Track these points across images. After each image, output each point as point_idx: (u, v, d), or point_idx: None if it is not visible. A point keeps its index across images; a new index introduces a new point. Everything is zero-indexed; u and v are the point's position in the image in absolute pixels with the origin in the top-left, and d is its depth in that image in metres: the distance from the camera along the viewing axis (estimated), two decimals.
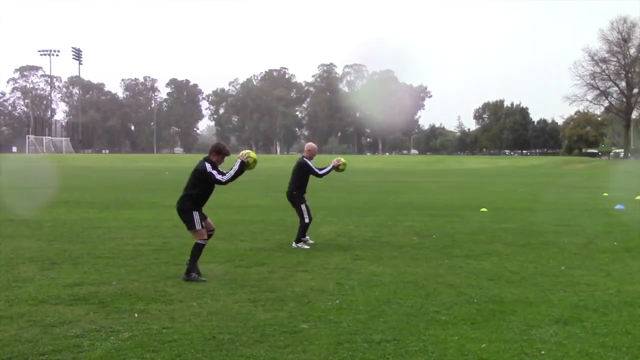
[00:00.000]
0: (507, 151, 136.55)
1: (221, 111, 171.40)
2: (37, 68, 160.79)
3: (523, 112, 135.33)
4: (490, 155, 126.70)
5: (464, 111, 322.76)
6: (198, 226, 8.03)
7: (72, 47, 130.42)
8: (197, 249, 8.08)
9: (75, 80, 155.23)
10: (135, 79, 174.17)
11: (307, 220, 10.81)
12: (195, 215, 8.01)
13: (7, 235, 11.85)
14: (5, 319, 6.09)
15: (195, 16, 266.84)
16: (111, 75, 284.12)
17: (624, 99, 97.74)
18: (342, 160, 11.47)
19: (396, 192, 27.03)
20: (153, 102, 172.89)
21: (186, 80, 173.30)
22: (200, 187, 8.08)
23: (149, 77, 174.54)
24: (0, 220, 14.06)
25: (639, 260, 9.80)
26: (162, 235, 11.98)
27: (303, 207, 10.85)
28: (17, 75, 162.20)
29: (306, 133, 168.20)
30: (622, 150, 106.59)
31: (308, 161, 11.07)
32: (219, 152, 8.18)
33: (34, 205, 17.83)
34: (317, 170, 11.02)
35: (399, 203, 20.92)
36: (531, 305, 6.84)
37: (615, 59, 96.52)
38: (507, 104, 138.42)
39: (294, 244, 10.79)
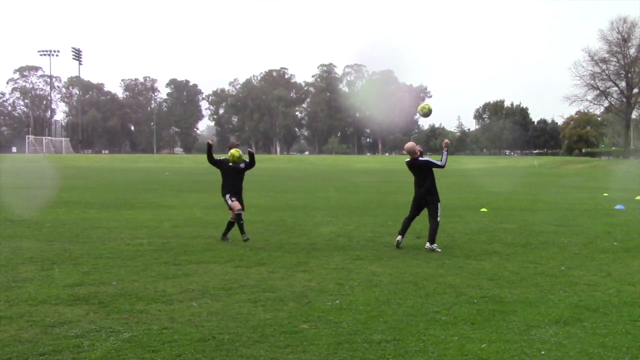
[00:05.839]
0: (507, 151, 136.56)
1: (221, 111, 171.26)
2: (36, 68, 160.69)
3: (523, 112, 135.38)
4: (490, 155, 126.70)
5: (464, 111, 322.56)
6: None
7: (72, 47, 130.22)
8: None
9: (75, 81, 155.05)
10: (135, 79, 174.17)
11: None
12: None
13: (7, 235, 11.85)
14: (5, 319, 6.08)
15: (195, 16, 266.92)
16: (111, 75, 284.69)
17: (624, 99, 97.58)
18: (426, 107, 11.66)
19: (396, 192, 26.99)
20: (153, 102, 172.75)
21: (186, 80, 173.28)
22: None
23: (149, 77, 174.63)
24: (0, 220, 14.06)
25: (639, 260, 9.80)
26: (162, 235, 11.98)
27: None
28: (16, 75, 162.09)
29: (306, 133, 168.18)
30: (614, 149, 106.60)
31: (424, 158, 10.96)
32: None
33: (34, 205, 17.83)
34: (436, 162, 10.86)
35: (399, 203, 20.88)
36: (531, 305, 6.84)
37: (615, 59, 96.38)
38: (507, 104, 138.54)
39: (428, 245, 10.42)
